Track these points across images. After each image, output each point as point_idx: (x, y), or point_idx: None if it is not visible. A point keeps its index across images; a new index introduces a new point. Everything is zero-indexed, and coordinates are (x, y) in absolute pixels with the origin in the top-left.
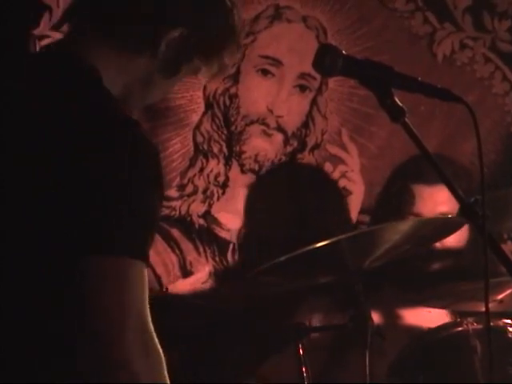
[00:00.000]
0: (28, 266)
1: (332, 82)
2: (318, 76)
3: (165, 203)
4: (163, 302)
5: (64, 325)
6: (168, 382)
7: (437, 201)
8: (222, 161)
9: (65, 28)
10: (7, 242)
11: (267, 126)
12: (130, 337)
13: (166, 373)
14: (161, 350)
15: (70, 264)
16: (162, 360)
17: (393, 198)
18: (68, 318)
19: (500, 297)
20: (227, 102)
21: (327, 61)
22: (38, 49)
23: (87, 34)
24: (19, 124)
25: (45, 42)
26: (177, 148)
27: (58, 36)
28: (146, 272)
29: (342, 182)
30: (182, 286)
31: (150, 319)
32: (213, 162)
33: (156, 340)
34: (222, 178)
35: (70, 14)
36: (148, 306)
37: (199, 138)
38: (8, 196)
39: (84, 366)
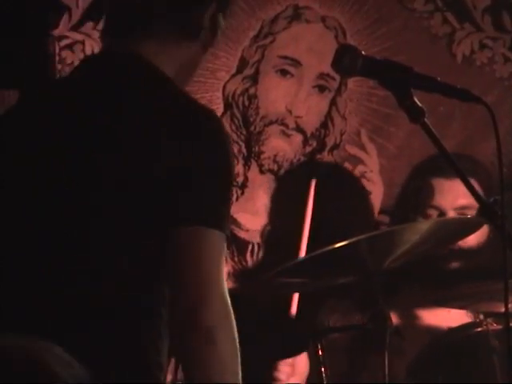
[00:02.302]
0: (123, 238)
1: (351, 83)
2: (337, 76)
3: None
4: None
5: (154, 293)
6: (239, 353)
7: (457, 194)
8: (241, 161)
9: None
10: (103, 215)
11: (286, 126)
12: (216, 304)
13: (238, 345)
14: (234, 322)
15: (162, 234)
16: (235, 331)
17: (412, 194)
18: (158, 286)
19: None
20: (246, 103)
21: (346, 61)
22: (57, 49)
23: (133, 32)
24: (111, 120)
25: (64, 42)
26: None
27: (77, 36)
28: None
29: (361, 183)
30: None
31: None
32: None
33: (232, 312)
34: (241, 179)
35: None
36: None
37: None
38: (107, 176)
39: (174, 331)
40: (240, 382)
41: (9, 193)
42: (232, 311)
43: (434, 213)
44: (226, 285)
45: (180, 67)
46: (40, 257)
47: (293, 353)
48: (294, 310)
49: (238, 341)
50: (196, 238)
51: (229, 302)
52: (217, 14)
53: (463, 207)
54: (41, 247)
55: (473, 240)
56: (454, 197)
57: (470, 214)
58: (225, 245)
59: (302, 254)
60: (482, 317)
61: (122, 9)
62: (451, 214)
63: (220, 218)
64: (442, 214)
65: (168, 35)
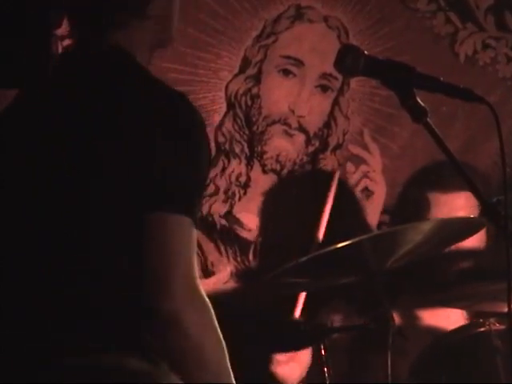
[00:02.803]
0: (122, 236)
1: (354, 82)
2: (339, 76)
3: None
4: None
5: (126, 275)
6: (219, 331)
7: (453, 207)
8: (244, 161)
9: None
10: (102, 212)
11: (289, 126)
12: (176, 287)
13: (216, 323)
14: (208, 302)
15: (136, 219)
16: (209, 309)
17: (410, 205)
18: (127, 267)
19: None
20: (249, 103)
21: (349, 61)
22: (60, 49)
23: (102, 23)
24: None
25: (66, 42)
26: None
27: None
28: (195, 231)
29: (364, 183)
30: (204, 286)
31: (196, 274)
32: (234, 162)
33: (203, 293)
34: (243, 178)
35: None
36: (195, 264)
37: (221, 138)
38: (106, 169)
39: (139, 314)
40: (224, 366)
41: (7, 189)
42: (203, 296)
43: None
44: (196, 270)
45: (143, 47)
46: (39, 256)
47: (293, 350)
48: (299, 310)
49: (215, 325)
50: (159, 223)
51: (196, 286)
52: None
53: None
54: (40, 245)
55: (475, 240)
56: (451, 210)
57: None
58: (192, 230)
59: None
60: (484, 317)
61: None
62: None
63: (187, 203)
64: None
65: (119, 19)
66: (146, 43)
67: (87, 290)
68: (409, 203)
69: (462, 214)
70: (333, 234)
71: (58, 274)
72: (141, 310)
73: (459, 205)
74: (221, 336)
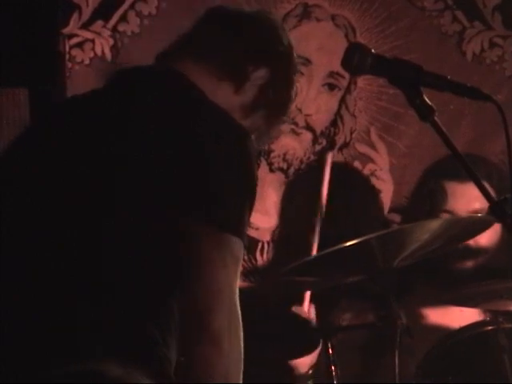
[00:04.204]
0: (135, 236)
1: (361, 81)
2: (346, 75)
3: None
4: None
5: (164, 289)
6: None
7: (470, 197)
8: None
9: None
10: (116, 213)
11: (296, 124)
12: (225, 311)
13: (242, 346)
14: (241, 325)
15: (181, 234)
16: (242, 334)
17: (425, 198)
18: (169, 282)
19: None
20: None
21: (356, 59)
22: (67, 48)
23: (182, 56)
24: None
25: (74, 40)
26: None
27: (87, 35)
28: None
29: (371, 181)
30: None
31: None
32: None
33: (240, 315)
34: None
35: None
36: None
37: None
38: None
39: (182, 330)
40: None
41: (28, 195)
42: (240, 320)
43: (447, 217)
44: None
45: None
46: (53, 266)
47: (303, 352)
48: (305, 307)
49: (242, 348)
50: (214, 242)
51: (238, 309)
52: (268, 86)
53: (477, 211)
54: (54, 256)
55: (483, 239)
56: (468, 201)
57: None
58: (242, 251)
59: (317, 233)
60: (492, 315)
61: (179, 39)
62: None
63: (240, 225)
64: None
65: (212, 68)
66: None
67: (97, 291)
68: (424, 195)
69: (478, 204)
70: (341, 233)
71: (70, 278)
72: (172, 320)
73: (476, 195)
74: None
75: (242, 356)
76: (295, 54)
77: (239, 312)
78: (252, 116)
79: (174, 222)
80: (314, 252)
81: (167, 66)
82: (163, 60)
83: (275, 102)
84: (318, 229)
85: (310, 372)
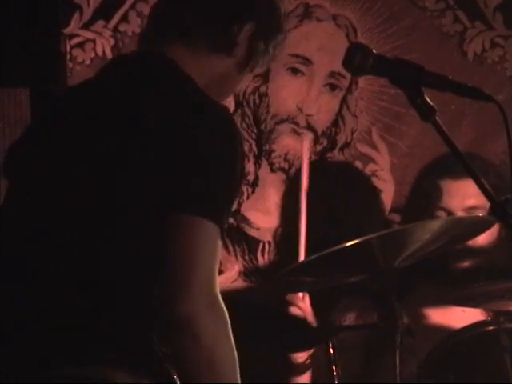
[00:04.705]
0: (132, 235)
1: (362, 81)
2: (347, 75)
3: None
4: None
5: (142, 276)
6: (233, 344)
7: (465, 194)
8: (252, 159)
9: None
10: (114, 208)
11: (297, 124)
12: (194, 292)
13: (231, 335)
14: (226, 313)
15: (156, 220)
16: (226, 321)
17: (420, 197)
18: (145, 269)
19: None
20: (257, 101)
21: (357, 59)
22: (68, 48)
23: (165, 34)
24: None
25: (75, 40)
26: None
27: (88, 35)
28: (220, 241)
29: (372, 181)
30: None
31: (217, 283)
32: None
33: (222, 303)
34: (251, 177)
35: (150, 17)
36: (217, 272)
37: None
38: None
39: (154, 316)
40: (234, 372)
41: (33, 187)
42: (221, 305)
43: (442, 214)
44: (217, 278)
45: (210, 81)
46: (47, 260)
47: (303, 349)
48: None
49: (229, 335)
50: (185, 226)
51: (215, 294)
52: (256, 37)
53: (472, 208)
54: (54, 256)
55: (484, 239)
56: (463, 197)
57: (480, 214)
58: (217, 237)
59: (303, 224)
60: (493, 316)
61: (160, 14)
62: (460, 214)
63: (216, 209)
64: (450, 215)
65: (200, 43)
66: (207, 77)
67: (95, 288)
68: (421, 193)
69: (473, 201)
70: (342, 233)
71: (68, 274)
72: (154, 311)
73: (471, 192)
74: (234, 349)
75: (230, 346)
76: None
77: (217, 297)
78: (249, 64)
79: (160, 214)
80: (302, 252)
81: (156, 52)
82: (149, 44)
83: (268, 38)
84: (303, 228)
85: (308, 362)
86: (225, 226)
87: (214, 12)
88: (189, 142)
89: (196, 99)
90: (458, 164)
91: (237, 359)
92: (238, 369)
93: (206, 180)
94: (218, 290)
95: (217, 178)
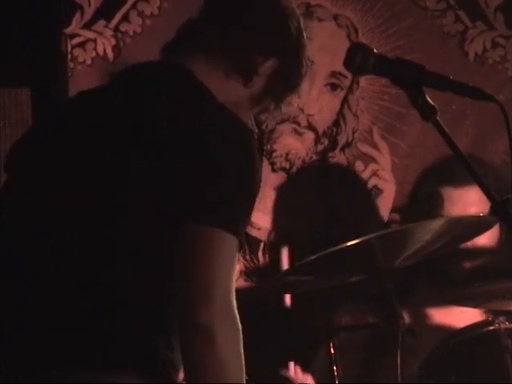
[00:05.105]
0: (140, 236)
1: (363, 81)
2: (349, 74)
3: None
4: None
5: (166, 290)
6: (243, 357)
7: (466, 202)
8: None
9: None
10: (126, 213)
11: (298, 124)
12: (216, 305)
13: (241, 343)
14: (240, 326)
15: (172, 229)
16: (239, 331)
17: (423, 203)
18: (163, 280)
19: None
20: None
21: (358, 59)
22: (69, 47)
23: (188, 47)
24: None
25: (76, 40)
26: None
27: (89, 35)
28: (236, 254)
29: (373, 181)
30: None
31: (234, 295)
32: None
33: (237, 316)
34: None
35: (178, 30)
36: (234, 281)
37: None
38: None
39: (173, 325)
40: (241, 375)
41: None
42: (236, 316)
43: None
44: (234, 291)
45: (225, 102)
46: (60, 259)
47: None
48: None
49: (241, 344)
50: (207, 238)
51: (233, 305)
52: (277, 74)
53: None
54: (54, 256)
55: (485, 239)
56: (464, 205)
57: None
58: (236, 249)
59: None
60: (494, 316)
61: (187, 28)
62: None
63: (235, 222)
64: None
65: (221, 63)
66: (226, 99)
67: (99, 287)
68: (422, 199)
69: (475, 209)
70: (342, 233)
71: (76, 273)
72: (157, 312)
73: (472, 200)
74: (243, 355)
75: (239, 352)
76: (305, 35)
77: (234, 308)
78: (262, 103)
79: (174, 222)
80: (285, 258)
81: (175, 62)
82: (170, 55)
83: (284, 87)
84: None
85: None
86: (243, 239)
87: (241, 35)
88: (201, 149)
89: (209, 107)
90: (458, 170)
91: (244, 368)
92: (244, 372)
93: (228, 192)
94: (234, 302)
95: (237, 190)
